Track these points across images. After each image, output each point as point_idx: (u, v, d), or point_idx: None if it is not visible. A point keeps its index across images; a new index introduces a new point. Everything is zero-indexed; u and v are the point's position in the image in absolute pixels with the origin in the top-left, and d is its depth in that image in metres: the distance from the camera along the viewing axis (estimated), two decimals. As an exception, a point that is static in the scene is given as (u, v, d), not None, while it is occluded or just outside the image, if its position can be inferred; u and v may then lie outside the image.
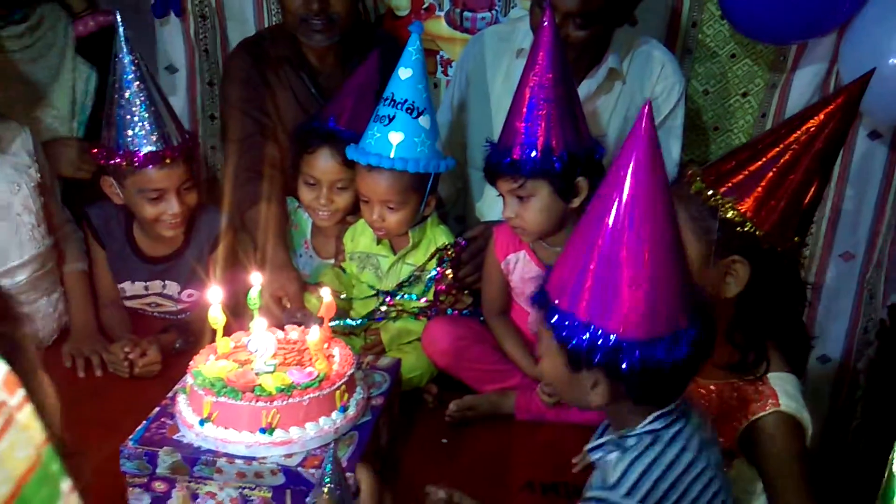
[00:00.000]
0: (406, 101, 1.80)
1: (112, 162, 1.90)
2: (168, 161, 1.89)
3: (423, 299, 1.93)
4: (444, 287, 1.92)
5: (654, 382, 1.06)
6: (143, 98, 1.87)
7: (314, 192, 2.01)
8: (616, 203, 1.02)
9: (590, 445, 1.18)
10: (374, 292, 1.97)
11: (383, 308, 1.95)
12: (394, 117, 1.80)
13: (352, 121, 1.94)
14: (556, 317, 1.07)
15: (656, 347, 1.03)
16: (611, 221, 1.02)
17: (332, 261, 2.11)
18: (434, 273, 1.92)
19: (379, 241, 1.97)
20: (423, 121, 1.82)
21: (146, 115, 1.87)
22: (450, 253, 1.92)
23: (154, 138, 1.88)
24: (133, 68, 1.86)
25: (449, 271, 1.92)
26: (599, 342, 1.03)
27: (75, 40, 2.28)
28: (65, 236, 2.08)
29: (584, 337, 1.04)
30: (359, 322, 1.96)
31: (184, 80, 2.60)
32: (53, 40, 2.23)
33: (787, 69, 2.26)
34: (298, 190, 2.04)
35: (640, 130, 1.01)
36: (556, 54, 1.62)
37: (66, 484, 0.59)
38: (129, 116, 1.87)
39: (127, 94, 1.86)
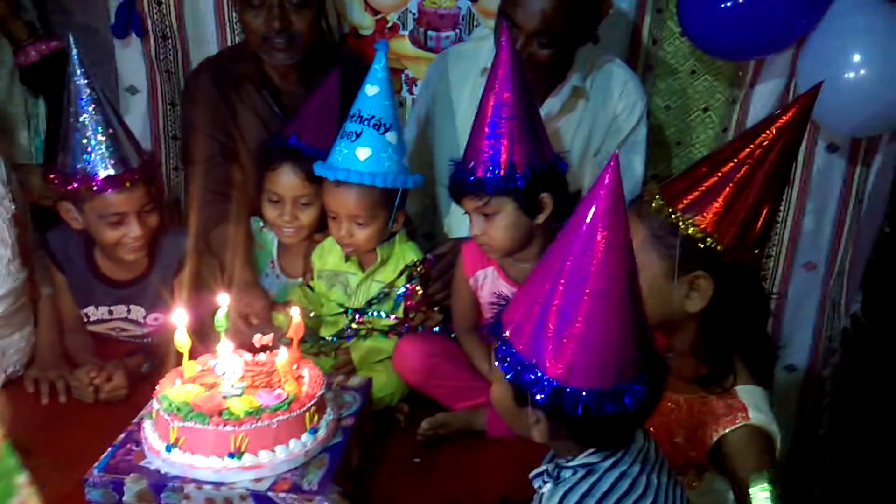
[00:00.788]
0: (373, 117, 1.81)
1: (70, 187, 1.86)
2: (127, 184, 1.86)
3: (393, 316, 1.92)
4: (413, 304, 1.92)
5: (596, 429, 1.07)
6: (99, 121, 1.83)
7: (278, 209, 2.00)
8: (569, 252, 1.01)
9: (534, 472, 1.19)
10: (343, 310, 1.96)
11: (353, 326, 1.94)
12: (361, 133, 1.81)
13: (313, 138, 1.94)
14: (504, 349, 1.07)
15: (600, 398, 1.02)
16: (563, 269, 1.02)
17: (300, 279, 2.09)
18: (403, 290, 1.92)
19: (347, 259, 1.96)
20: (390, 137, 1.83)
21: (103, 139, 1.84)
22: (419, 270, 1.92)
23: (112, 162, 1.84)
24: (88, 91, 1.82)
25: (419, 288, 1.92)
26: (541, 384, 1.03)
27: (17, 69, 2.24)
28: (36, 262, 2.04)
29: (529, 376, 1.04)
30: (328, 340, 1.95)
31: (145, 101, 2.57)
32: None
33: (746, 84, 2.30)
34: (262, 208, 2.03)
35: (604, 181, 1.00)
36: (516, 72, 1.63)
37: (20, 478, 0.59)
38: (85, 140, 1.83)
39: (83, 118, 1.83)
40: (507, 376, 1.06)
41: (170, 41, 2.51)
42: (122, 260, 2.00)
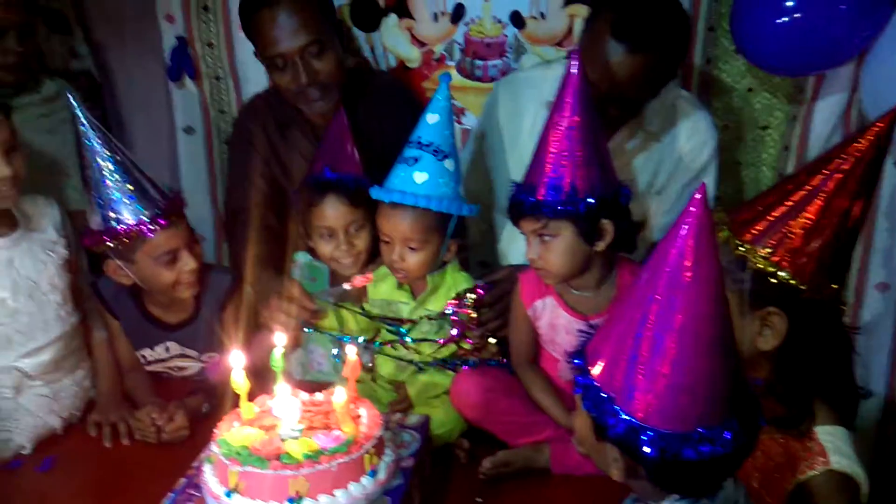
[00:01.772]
0: (432, 143, 1.82)
1: (120, 240, 1.86)
2: (172, 220, 1.89)
3: (442, 340, 1.90)
4: (460, 322, 1.88)
5: (673, 474, 1.02)
6: (124, 170, 1.85)
7: (332, 242, 2.00)
8: (655, 284, 0.98)
9: None
10: (394, 327, 1.94)
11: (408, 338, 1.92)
12: (419, 158, 1.82)
13: (346, 166, 1.97)
14: (584, 379, 1.05)
15: (676, 441, 0.98)
16: (648, 301, 0.98)
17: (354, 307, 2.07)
18: (450, 311, 1.88)
19: (399, 286, 1.95)
20: (448, 164, 1.83)
21: (133, 186, 1.85)
22: (468, 297, 1.89)
23: (151, 204, 1.86)
24: (102, 146, 1.83)
25: (472, 312, 1.88)
26: (617, 419, 1.00)
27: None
28: (90, 307, 2.07)
29: (607, 410, 1.01)
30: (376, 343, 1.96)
31: (201, 141, 2.64)
32: (68, 115, 2.25)
33: (806, 100, 2.24)
34: (316, 247, 2.03)
35: (691, 210, 0.96)
36: (584, 97, 1.60)
37: None
38: (119, 194, 1.84)
39: (108, 174, 1.83)
40: (586, 406, 1.04)
41: (222, 81, 2.56)
42: (171, 303, 2.02)
